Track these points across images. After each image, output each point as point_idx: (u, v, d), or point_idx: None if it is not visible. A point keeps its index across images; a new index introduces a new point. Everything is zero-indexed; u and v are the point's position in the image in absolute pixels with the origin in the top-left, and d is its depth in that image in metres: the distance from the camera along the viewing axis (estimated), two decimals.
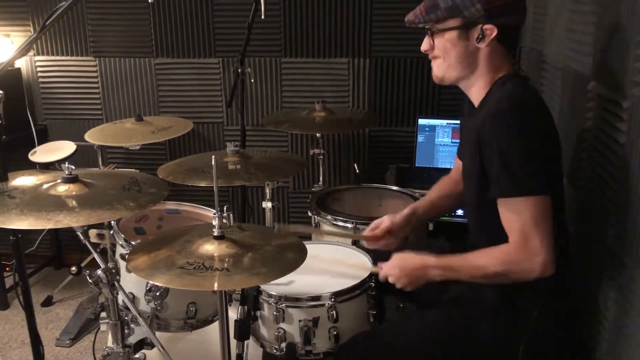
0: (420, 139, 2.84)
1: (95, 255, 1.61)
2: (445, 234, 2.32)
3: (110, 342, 1.75)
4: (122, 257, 1.81)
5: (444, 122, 2.82)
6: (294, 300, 1.64)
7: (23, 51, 1.55)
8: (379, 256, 1.77)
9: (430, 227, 2.22)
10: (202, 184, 1.86)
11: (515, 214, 1.41)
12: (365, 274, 1.72)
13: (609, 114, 1.52)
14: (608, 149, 1.52)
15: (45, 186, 1.57)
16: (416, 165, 2.85)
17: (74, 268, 2.99)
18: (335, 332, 1.63)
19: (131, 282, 1.86)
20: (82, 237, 1.60)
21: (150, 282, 1.74)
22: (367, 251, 1.89)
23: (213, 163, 1.47)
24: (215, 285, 1.34)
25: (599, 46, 1.63)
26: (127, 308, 1.79)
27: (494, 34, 1.45)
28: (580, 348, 1.62)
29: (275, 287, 1.67)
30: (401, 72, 2.98)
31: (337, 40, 2.96)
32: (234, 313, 1.67)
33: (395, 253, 1.63)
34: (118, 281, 1.63)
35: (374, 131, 3.08)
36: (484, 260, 1.46)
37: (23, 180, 1.65)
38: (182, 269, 1.37)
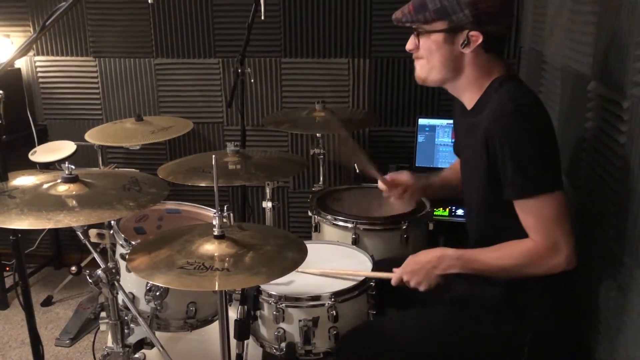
0: (420, 139, 2.84)
1: (95, 255, 1.61)
2: (445, 234, 2.32)
3: (110, 342, 1.75)
4: (122, 257, 1.82)
5: (444, 122, 2.82)
6: (294, 300, 1.64)
7: (23, 51, 1.55)
8: (379, 262, 1.77)
9: (431, 227, 2.22)
10: (202, 184, 1.86)
11: (534, 214, 1.41)
12: (366, 274, 1.72)
13: (609, 114, 1.52)
14: (608, 149, 1.52)
15: (45, 186, 1.57)
16: (416, 165, 2.85)
17: (74, 268, 3.00)
18: (335, 332, 1.63)
19: (131, 282, 1.86)
20: (82, 237, 1.59)
21: (150, 282, 1.74)
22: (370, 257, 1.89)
23: (213, 163, 1.47)
24: (216, 285, 1.34)
25: (599, 46, 1.63)
26: (127, 308, 1.79)
27: (479, 40, 1.44)
28: (580, 348, 1.63)
29: (275, 286, 1.67)
30: (401, 72, 2.98)
31: (337, 40, 2.96)
32: (234, 313, 1.67)
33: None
34: (118, 281, 1.62)
35: (374, 131, 3.08)
36: (507, 252, 1.47)
37: (23, 180, 1.65)
38: (182, 269, 1.37)
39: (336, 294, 1.64)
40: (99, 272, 1.59)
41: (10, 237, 1.91)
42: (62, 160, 2.65)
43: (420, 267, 1.56)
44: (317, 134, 2.67)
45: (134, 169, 2.48)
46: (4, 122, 1.61)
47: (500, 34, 1.50)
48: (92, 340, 2.43)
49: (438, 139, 2.83)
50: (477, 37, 1.44)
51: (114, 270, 1.60)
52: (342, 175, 3.15)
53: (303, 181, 3.21)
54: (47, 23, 1.51)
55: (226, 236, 1.46)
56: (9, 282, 3.05)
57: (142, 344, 1.81)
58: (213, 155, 1.48)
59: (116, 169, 2.84)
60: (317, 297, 1.64)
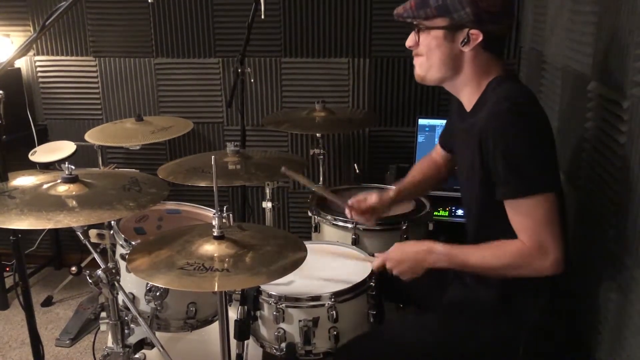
0: (420, 139, 2.84)
1: (95, 255, 1.61)
2: (445, 234, 2.32)
3: (110, 342, 1.75)
4: (122, 257, 1.82)
5: (444, 122, 2.80)
6: (294, 300, 1.64)
7: (23, 51, 1.55)
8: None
9: (430, 227, 2.22)
10: (202, 184, 1.86)
11: (525, 215, 1.40)
12: (366, 274, 1.72)
13: (609, 114, 1.52)
14: (608, 149, 1.52)
15: (45, 186, 1.57)
16: None
17: (74, 268, 3.01)
18: (335, 332, 1.63)
19: (131, 282, 1.86)
20: (82, 237, 1.59)
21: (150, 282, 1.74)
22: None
23: (213, 163, 1.47)
24: (215, 286, 1.34)
25: (599, 46, 1.63)
26: (127, 308, 1.79)
27: (479, 39, 1.44)
28: (580, 348, 1.62)
29: (275, 287, 1.66)
30: (401, 72, 2.98)
31: (337, 40, 2.96)
32: (234, 313, 1.67)
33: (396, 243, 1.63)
34: (118, 281, 1.62)
35: (374, 131, 3.08)
36: (494, 252, 1.46)
37: (23, 180, 1.65)
38: (182, 269, 1.37)
39: (336, 294, 1.64)
40: (99, 272, 1.59)
41: (11, 238, 1.91)
42: (62, 161, 2.65)
43: (407, 257, 1.56)
44: (317, 134, 2.67)
45: (134, 169, 2.48)
46: (4, 122, 1.61)
47: (501, 34, 1.50)
48: (92, 340, 2.43)
49: (438, 139, 2.82)
50: (477, 36, 1.44)
51: (114, 271, 1.60)
52: (342, 176, 3.15)
53: None
54: (47, 23, 1.51)
55: (226, 237, 1.46)
56: (9, 282, 3.05)
57: (142, 344, 1.81)
58: (213, 156, 1.48)
59: (116, 169, 2.84)
60: (317, 298, 1.64)
